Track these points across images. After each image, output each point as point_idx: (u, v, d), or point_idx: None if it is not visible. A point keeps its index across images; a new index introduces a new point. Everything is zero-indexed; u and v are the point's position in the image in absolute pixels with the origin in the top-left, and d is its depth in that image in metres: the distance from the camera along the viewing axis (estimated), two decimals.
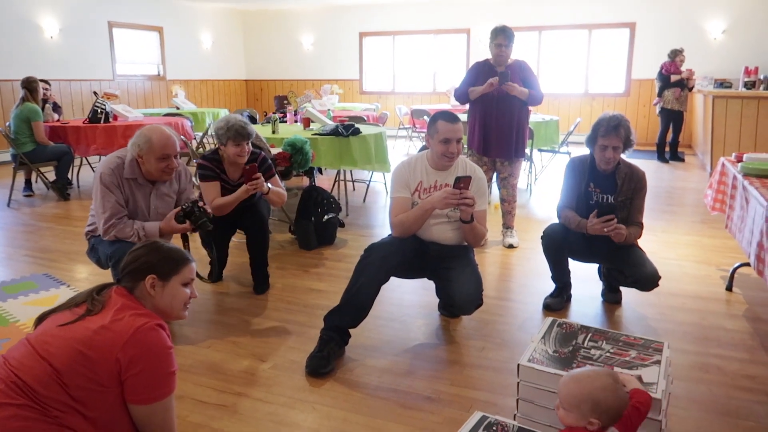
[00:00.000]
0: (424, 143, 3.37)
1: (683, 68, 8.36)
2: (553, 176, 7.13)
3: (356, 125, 5.17)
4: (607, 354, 1.99)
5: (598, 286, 3.37)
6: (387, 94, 12.67)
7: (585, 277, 3.48)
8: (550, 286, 3.26)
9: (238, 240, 4.14)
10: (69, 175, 6.37)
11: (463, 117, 4.33)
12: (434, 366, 2.55)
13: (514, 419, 1.90)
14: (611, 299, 3.25)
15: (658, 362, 1.92)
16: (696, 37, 10.13)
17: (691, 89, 8.52)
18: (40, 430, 1.39)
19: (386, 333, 2.88)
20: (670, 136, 8.68)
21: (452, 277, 2.67)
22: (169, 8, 11.66)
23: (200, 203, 2.71)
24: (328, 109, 7.14)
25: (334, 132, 4.96)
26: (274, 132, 5.28)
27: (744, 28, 9.88)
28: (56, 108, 7.06)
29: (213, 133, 3.39)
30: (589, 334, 2.12)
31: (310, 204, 4.36)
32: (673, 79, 8.31)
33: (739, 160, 3.42)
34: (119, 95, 8.29)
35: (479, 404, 2.23)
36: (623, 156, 3.01)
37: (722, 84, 9.32)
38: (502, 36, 3.98)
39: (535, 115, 7.07)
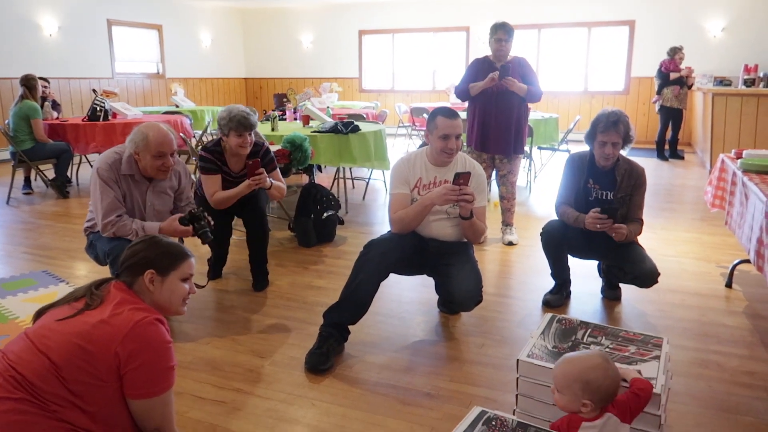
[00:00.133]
0: (423, 140, 3.37)
1: (682, 66, 8.36)
2: (553, 174, 7.13)
3: (355, 122, 5.17)
4: (607, 349, 1.99)
5: (597, 283, 3.37)
6: (386, 92, 12.66)
7: (584, 274, 3.48)
8: (550, 283, 3.25)
9: (237, 237, 4.14)
10: (68, 173, 6.36)
11: (463, 114, 4.34)
12: (434, 362, 2.55)
13: (514, 415, 1.90)
14: (611, 296, 3.24)
15: (658, 357, 1.91)
16: (695, 34, 10.13)
17: (690, 87, 8.52)
18: (38, 424, 1.39)
19: (386, 329, 2.87)
20: (669, 134, 8.68)
21: (452, 274, 2.67)
22: (169, 6, 11.64)
23: (207, 215, 2.69)
24: (328, 107, 7.14)
25: (334, 129, 4.96)
26: (273, 129, 5.27)
27: (743, 26, 9.88)
28: (55, 106, 7.05)
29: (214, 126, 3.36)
30: (589, 330, 2.12)
31: (309, 201, 4.36)
32: (673, 77, 8.31)
33: (739, 156, 3.42)
34: (118, 93, 8.28)
35: (479, 400, 2.23)
36: (623, 152, 3.01)
37: (722, 82, 9.32)
38: (502, 31, 3.97)
39: (535, 113, 7.07)
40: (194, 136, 7.33)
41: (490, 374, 2.44)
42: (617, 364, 1.72)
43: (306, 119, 5.72)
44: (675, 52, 8.36)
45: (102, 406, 1.47)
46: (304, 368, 2.47)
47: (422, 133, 8.67)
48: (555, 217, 3.15)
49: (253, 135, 3.28)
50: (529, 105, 4.36)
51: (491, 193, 5.55)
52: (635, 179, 2.99)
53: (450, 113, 2.69)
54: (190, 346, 2.70)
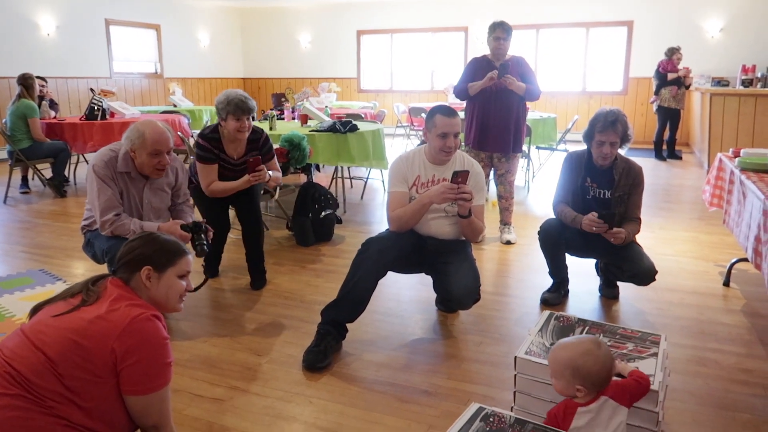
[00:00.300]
0: (422, 139, 3.37)
1: (680, 66, 8.37)
2: (551, 174, 7.13)
3: (354, 122, 5.17)
4: None
5: (595, 281, 3.37)
6: (385, 92, 12.66)
7: (582, 272, 3.48)
8: (548, 282, 3.25)
9: (235, 237, 4.14)
10: (66, 172, 6.35)
11: (461, 114, 4.34)
12: (432, 360, 2.55)
13: (511, 411, 1.90)
14: (609, 294, 3.24)
15: (656, 355, 1.91)
16: (693, 35, 10.14)
17: (688, 87, 8.53)
18: (34, 420, 1.38)
19: (384, 328, 2.87)
20: (667, 134, 8.70)
21: (450, 272, 2.67)
22: (167, 6, 11.63)
23: (209, 229, 2.67)
24: (326, 107, 7.14)
25: (332, 128, 4.95)
26: (271, 129, 5.26)
27: (741, 27, 9.89)
28: (53, 105, 7.03)
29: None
30: (587, 327, 2.12)
31: (307, 200, 4.36)
32: (670, 77, 8.33)
33: (737, 155, 3.42)
34: (116, 92, 8.26)
35: (477, 398, 2.23)
36: (621, 151, 3.01)
37: (720, 82, 9.34)
38: (500, 29, 3.98)
39: (533, 113, 7.07)
40: (192, 136, 7.32)
41: (488, 372, 2.44)
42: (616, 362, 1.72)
43: (304, 118, 5.72)
44: (673, 53, 8.37)
45: (98, 403, 1.46)
46: (301, 366, 2.47)
47: (420, 133, 8.67)
48: (553, 216, 3.15)
49: (251, 120, 3.22)
50: (528, 104, 4.35)
51: (489, 192, 5.55)
52: (633, 178, 2.99)
53: (448, 111, 2.69)
54: (188, 344, 2.69)
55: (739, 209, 3.05)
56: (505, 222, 4.41)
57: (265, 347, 2.66)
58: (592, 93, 11.09)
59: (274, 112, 5.77)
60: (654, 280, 2.88)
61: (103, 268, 2.93)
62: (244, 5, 13.18)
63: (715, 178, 3.67)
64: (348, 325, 2.61)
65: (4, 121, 6.15)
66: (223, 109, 3.15)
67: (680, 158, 8.70)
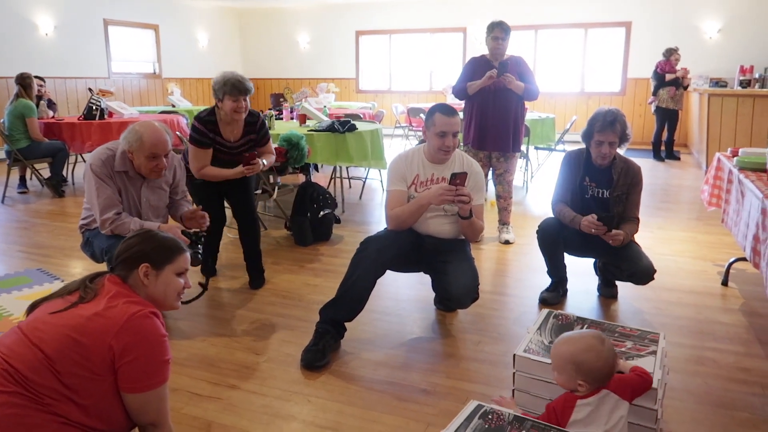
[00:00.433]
0: (420, 140, 3.37)
1: (678, 67, 8.38)
2: (549, 174, 7.13)
3: (352, 122, 5.16)
4: None
5: (594, 280, 3.37)
6: (383, 92, 12.66)
7: (581, 271, 3.49)
8: (546, 281, 3.25)
9: (233, 236, 4.13)
10: (64, 172, 6.34)
11: (460, 114, 4.33)
12: (430, 359, 2.54)
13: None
14: (607, 294, 3.24)
15: (654, 353, 1.91)
16: (692, 36, 10.16)
17: (686, 88, 8.54)
18: (31, 417, 1.37)
19: (382, 327, 2.87)
20: (665, 134, 8.71)
21: (448, 271, 2.67)
22: (165, 6, 11.62)
23: (203, 239, 2.65)
24: (324, 106, 7.13)
25: (330, 128, 4.95)
26: (270, 128, 5.25)
27: (739, 28, 9.91)
28: (51, 105, 7.02)
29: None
30: (585, 326, 2.12)
31: (306, 200, 4.35)
32: (668, 78, 8.34)
33: (735, 154, 3.43)
34: (114, 92, 8.25)
35: (475, 396, 2.22)
36: (620, 150, 3.01)
37: (718, 83, 9.36)
38: (498, 29, 3.98)
39: (531, 113, 7.08)
40: None
41: (487, 371, 2.44)
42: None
43: (303, 118, 5.72)
44: (670, 54, 8.39)
45: (96, 400, 1.46)
46: (299, 365, 2.47)
47: (419, 133, 8.67)
48: (551, 215, 3.15)
49: (248, 101, 3.18)
50: (526, 105, 4.36)
51: (488, 192, 5.54)
52: (632, 177, 2.99)
53: (448, 110, 2.69)
54: (186, 343, 2.68)
55: (737, 208, 3.05)
56: (503, 222, 4.41)
57: (264, 346, 2.66)
58: (590, 93, 11.11)
59: (273, 112, 5.77)
60: (652, 279, 2.88)
61: (102, 267, 2.92)
62: (242, 5, 13.17)
63: (714, 177, 3.67)
64: (346, 324, 2.61)
65: (2, 120, 6.14)
66: (219, 89, 3.11)
67: (678, 159, 8.71)
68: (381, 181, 6.57)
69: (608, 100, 10.90)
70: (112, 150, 2.71)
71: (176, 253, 1.72)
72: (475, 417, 1.55)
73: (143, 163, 2.65)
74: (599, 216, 2.81)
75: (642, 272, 2.86)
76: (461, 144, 4.34)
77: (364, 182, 6.30)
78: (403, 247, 2.68)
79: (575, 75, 11.20)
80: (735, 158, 3.25)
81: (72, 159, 6.99)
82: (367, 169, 6.32)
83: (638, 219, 3.02)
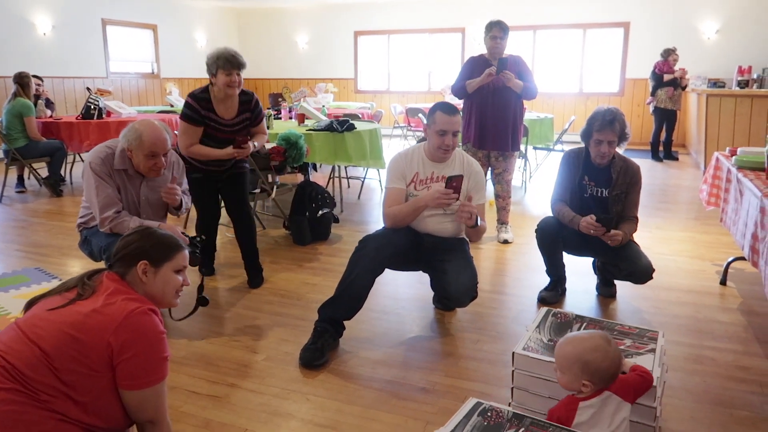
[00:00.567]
0: (418, 140, 3.36)
1: (676, 67, 8.39)
2: (548, 174, 7.14)
3: (351, 121, 5.16)
4: None
5: (592, 279, 3.37)
6: (382, 93, 12.66)
7: (580, 271, 3.49)
8: (545, 280, 3.25)
9: (231, 235, 4.12)
10: (62, 172, 6.32)
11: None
12: (429, 358, 2.54)
13: (509, 407, 1.89)
14: (606, 293, 3.24)
15: (653, 351, 1.91)
16: (690, 36, 10.17)
17: (684, 88, 8.55)
18: (29, 414, 1.37)
19: (381, 325, 2.86)
20: (663, 135, 8.71)
21: (447, 269, 2.66)
22: (164, 6, 11.61)
23: (200, 243, 2.63)
24: (323, 106, 7.13)
25: (329, 128, 4.95)
26: (268, 128, 5.24)
27: (737, 28, 9.93)
28: (49, 104, 7.01)
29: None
30: (584, 324, 2.12)
31: (304, 199, 4.35)
32: (666, 79, 8.34)
33: (733, 153, 3.43)
34: (112, 92, 8.24)
35: (474, 395, 2.21)
36: (619, 149, 3.01)
37: (716, 84, 9.37)
38: (497, 28, 3.98)
39: (530, 113, 7.08)
40: None
41: (485, 369, 2.43)
42: None
43: (301, 118, 5.71)
44: (668, 54, 8.39)
45: (94, 397, 1.45)
46: (298, 363, 2.46)
47: (417, 133, 8.67)
48: (550, 214, 3.14)
49: (241, 76, 3.14)
50: (525, 105, 4.36)
51: (486, 191, 5.54)
52: (631, 177, 2.99)
53: (449, 109, 2.68)
54: (184, 342, 2.68)
55: (736, 207, 3.06)
56: (502, 221, 4.41)
57: (262, 345, 2.65)
58: (588, 94, 11.12)
59: (271, 112, 5.76)
60: (651, 278, 2.88)
61: (100, 266, 2.90)
62: (241, 6, 13.17)
63: (712, 177, 3.68)
64: (345, 323, 2.60)
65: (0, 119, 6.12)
66: (213, 63, 3.08)
67: (677, 159, 8.72)
68: (379, 181, 6.57)
69: (607, 101, 10.91)
70: (112, 148, 2.70)
71: (175, 250, 1.71)
72: (474, 414, 1.54)
73: (142, 161, 2.64)
74: (598, 217, 2.81)
75: (641, 271, 2.86)
76: (461, 143, 4.34)
77: (363, 182, 6.30)
78: (402, 245, 2.68)
79: (574, 75, 11.21)
80: (733, 157, 3.25)
81: (70, 158, 6.98)
82: (365, 168, 6.32)
83: (637, 218, 3.02)
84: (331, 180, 5.78)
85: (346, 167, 6.27)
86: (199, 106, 3.12)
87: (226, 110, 3.19)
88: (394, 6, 12.16)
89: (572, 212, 2.97)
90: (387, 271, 2.67)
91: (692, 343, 2.68)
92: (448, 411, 2.09)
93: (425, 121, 3.85)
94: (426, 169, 2.77)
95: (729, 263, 3.50)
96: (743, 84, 8.55)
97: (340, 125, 4.95)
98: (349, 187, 6.40)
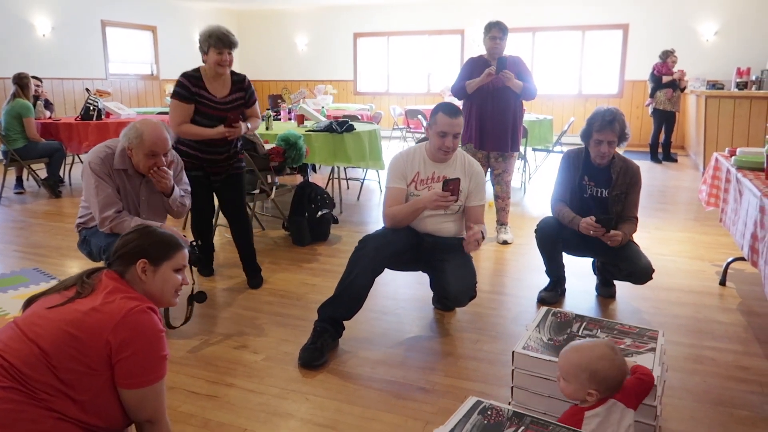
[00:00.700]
0: (417, 141, 3.37)
1: (675, 69, 8.40)
2: (547, 175, 7.14)
3: (350, 122, 5.16)
4: None
5: (592, 280, 3.37)
6: (381, 94, 12.66)
7: (579, 271, 3.48)
8: (545, 281, 3.25)
9: (230, 236, 4.11)
10: (60, 173, 6.31)
11: None
12: (428, 358, 2.53)
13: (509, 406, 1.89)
14: (605, 293, 3.24)
15: (653, 350, 1.91)
16: (689, 38, 10.19)
17: (683, 90, 8.56)
18: (27, 413, 1.36)
19: (380, 326, 2.86)
20: (662, 136, 8.72)
21: (446, 269, 2.66)
22: (163, 8, 11.62)
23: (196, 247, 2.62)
24: (322, 107, 7.13)
25: (328, 128, 4.95)
26: (267, 129, 5.25)
27: (736, 30, 9.94)
28: (48, 105, 7.01)
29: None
30: (584, 323, 2.11)
31: (303, 200, 4.34)
32: (665, 80, 8.35)
33: (732, 154, 3.43)
34: (112, 93, 8.24)
35: (473, 395, 2.18)
36: (619, 150, 3.01)
37: (714, 85, 9.37)
38: (496, 29, 3.99)
39: (529, 115, 7.09)
40: None
41: (485, 369, 2.43)
42: None
43: (300, 119, 5.71)
44: (667, 56, 8.41)
45: (93, 396, 1.45)
46: (297, 363, 2.45)
47: (417, 135, 8.67)
48: (550, 214, 3.14)
49: (232, 55, 3.13)
50: (524, 106, 4.36)
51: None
52: (630, 177, 2.99)
53: (451, 111, 2.67)
54: (184, 342, 2.67)
55: (735, 207, 3.06)
56: (501, 222, 4.41)
57: (261, 345, 2.65)
58: (587, 96, 11.13)
59: (271, 113, 5.76)
60: (651, 278, 2.88)
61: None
62: (240, 7, 13.17)
63: (712, 177, 3.68)
64: (345, 323, 2.60)
65: None
66: (204, 41, 3.08)
67: (676, 161, 8.73)
68: (379, 182, 6.57)
69: (605, 102, 10.90)
70: (111, 148, 2.69)
71: (174, 249, 1.71)
72: (474, 413, 1.54)
73: (142, 160, 2.63)
74: (598, 218, 2.80)
75: (641, 271, 2.86)
76: (461, 144, 4.34)
77: (362, 183, 6.29)
78: (402, 245, 2.67)
79: (573, 77, 11.22)
80: (733, 157, 3.25)
81: (69, 159, 6.97)
82: (365, 169, 6.31)
83: (637, 218, 3.02)
84: (331, 181, 5.78)
85: (345, 168, 6.27)
86: (189, 83, 3.11)
87: (218, 88, 3.18)
88: (394, 8, 12.17)
89: (572, 212, 2.96)
90: (386, 271, 2.67)
91: (692, 343, 2.67)
92: (447, 411, 2.09)
93: (425, 123, 3.85)
94: (427, 168, 2.77)
95: (728, 264, 3.49)
96: (742, 85, 8.55)
97: (340, 126, 4.95)
98: (348, 188, 6.40)
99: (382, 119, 9.27)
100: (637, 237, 3.09)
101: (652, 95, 8.58)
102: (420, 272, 2.94)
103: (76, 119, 6.37)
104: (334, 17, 12.71)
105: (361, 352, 2.58)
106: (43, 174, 6.26)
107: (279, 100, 7.43)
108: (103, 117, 6.42)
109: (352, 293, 2.53)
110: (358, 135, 5.03)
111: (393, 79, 12.66)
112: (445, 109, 2.68)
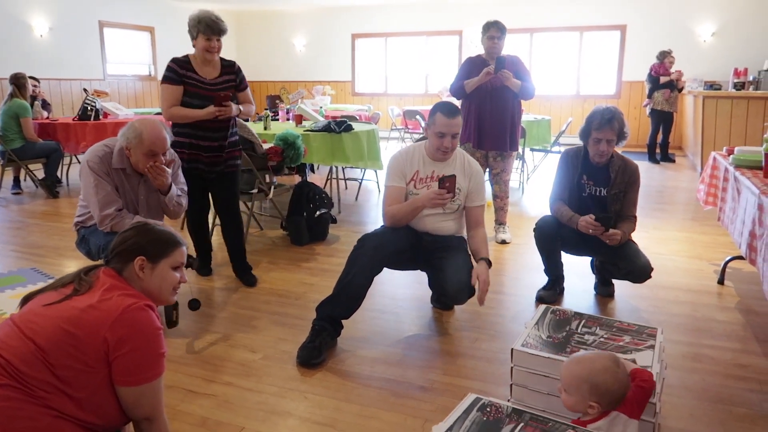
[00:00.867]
0: (415, 141, 3.37)
1: (672, 70, 8.41)
2: (545, 175, 7.14)
3: (348, 122, 5.15)
4: (601, 339, 1.98)
5: (591, 279, 3.37)
6: (379, 95, 12.66)
7: (578, 270, 3.48)
8: (543, 280, 3.25)
9: None
10: (58, 173, 6.30)
11: None
12: (427, 356, 2.53)
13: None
14: (604, 292, 3.24)
15: (652, 347, 1.91)
16: (686, 39, 10.21)
17: (680, 90, 8.58)
18: (24, 410, 1.35)
19: (379, 325, 2.85)
20: (660, 137, 8.73)
21: (445, 267, 2.66)
22: (161, 8, 11.61)
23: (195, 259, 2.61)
24: (320, 107, 7.12)
25: (327, 128, 4.94)
26: (265, 128, 5.25)
27: (733, 31, 9.97)
28: (45, 105, 6.99)
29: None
30: (583, 321, 2.11)
31: (302, 200, 4.34)
32: (663, 81, 8.37)
33: (730, 153, 3.44)
34: (109, 93, 8.23)
35: (472, 393, 2.21)
36: (617, 148, 3.01)
37: (712, 86, 9.37)
38: (494, 28, 3.99)
39: (527, 115, 7.10)
40: None
41: (484, 367, 2.43)
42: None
43: (299, 119, 5.71)
44: (664, 56, 8.42)
45: (90, 393, 1.44)
46: (296, 362, 2.45)
47: (415, 136, 8.67)
48: (549, 213, 3.14)
49: (221, 41, 3.12)
50: (522, 106, 4.36)
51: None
52: (629, 176, 2.99)
53: (449, 111, 2.66)
54: (182, 341, 2.66)
55: (733, 206, 3.06)
56: (500, 221, 4.41)
57: (260, 344, 2.64)
58: (585, 96, 11.14)
59: (269, 113, 5.75)
60: (650, 277, 2.88)
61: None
62: (239, 8, 13.17)
63: (710, 176, 3.68)
64: (343, 322, 2.59)
65: None
66: (194, 27, 3.07)
67: (673, 161, 8.74)
68: (377, 182, 6.57)
69: (603, 103, 10.90)
70: (110, 147, 2.68)
71: (172, 246, 1.70)
72: (474, 410, 1.53)
73: (141, 160, 2.62)
74: (597, 216, 2.80)
75: (639, 270, 2.86)
76: (460, 143, 4.34)
77: (361, 183, 6.29)
78: (401, 244, 2.67)
79: (571, 78, 11.23)
80: (731, 156, 3.26)
81: (66, 160, 6.95)
82: (363, 169, 6.31)
83: (635, 217, 3.02)
84: (329, 181, 5.77)
85: (343, 168, 6.26)
86: (177, 66, 3.12)
87: (207, 71, 3.19)
88: (392, 9, 12.18)
89: (571, 211, 2.97)
90: (385, 270, 2.66)
91: (691, 341, 2.67)
92: (446, 409, 2.08)
93: (423, 124, 3.84)
94: (426, 167, 2.77)
95: (726, 263, 3.50)
96: (739, 86, 8.56)
97: (338, 126, 4.95)
98: (346, 188, 6.40)
99: (380, 120, 9.27)
100: (635, 237, 3.09)
101: (649, 96, 8.59)
102: (419, 271, 2.93)
103: (73, 119, 6.36)
104: (333, 18, 12.71)
105: (360, 350, 2.57)
106: (40, 174, 6.25)
107: (277, 101, 7.43)
108: (100, 117, 6.41)
109: (350, 292, 2.53)
110: (356, 135, 5.03)
111: (391, 80, 12.66)
112: (443, 109, 2.67)
